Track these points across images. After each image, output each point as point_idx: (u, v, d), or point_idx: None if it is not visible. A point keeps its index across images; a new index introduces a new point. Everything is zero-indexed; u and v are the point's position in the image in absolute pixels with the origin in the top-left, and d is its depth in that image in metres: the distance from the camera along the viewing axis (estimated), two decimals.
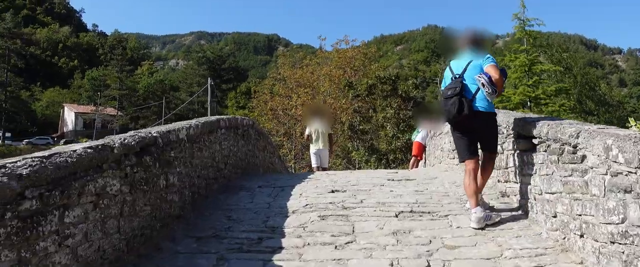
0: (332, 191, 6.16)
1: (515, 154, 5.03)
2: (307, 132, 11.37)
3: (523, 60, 18.41)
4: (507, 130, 5.23)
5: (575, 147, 3.70)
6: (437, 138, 9.67)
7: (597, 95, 35.37)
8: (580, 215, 3.59)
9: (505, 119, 5.25)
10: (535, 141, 4.48)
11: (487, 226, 4.48)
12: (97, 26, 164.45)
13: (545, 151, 4.25)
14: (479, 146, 5.04)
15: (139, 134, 3.87)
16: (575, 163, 3.70)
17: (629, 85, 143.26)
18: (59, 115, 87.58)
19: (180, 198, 4.64)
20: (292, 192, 6.14)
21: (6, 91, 72.92)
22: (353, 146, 26.40)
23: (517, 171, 5.02)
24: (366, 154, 23.89)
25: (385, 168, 23.31)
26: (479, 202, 4.69)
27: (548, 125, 4.17)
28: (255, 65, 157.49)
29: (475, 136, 4.92)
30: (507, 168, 5.36)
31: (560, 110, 17.67)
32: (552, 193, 4.11)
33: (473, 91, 4.70)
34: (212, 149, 5.97)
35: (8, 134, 72.61)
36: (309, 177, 7.67)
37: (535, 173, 4.49)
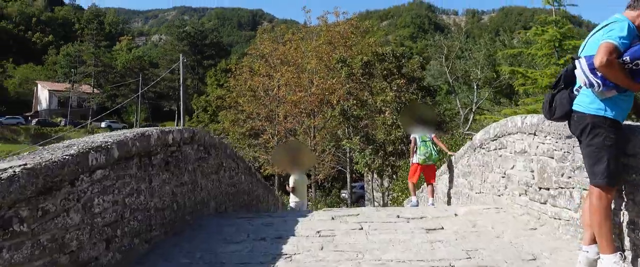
0: None
1: None
2: (292, 184, 10.45)
3: (552, 34, 15.03)
4: None
5: None
6: (487, 155, 6.26)
7: None
8: None
9: None
10: None
11: None
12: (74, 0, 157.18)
13: None
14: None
15: None
16: None
17: None
18: (33, 93, 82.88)
19: None
20: None
21: None
22: (344, 132, 22.98)
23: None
24: (360, 144, 20.50)
25: (382, 161, 19.97)
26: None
27: None
28: (240, 41, 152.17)
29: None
30: None
31: None
32: None
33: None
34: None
35: None
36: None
37: None
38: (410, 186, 9.20)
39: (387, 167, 20.12)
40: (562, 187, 4.18)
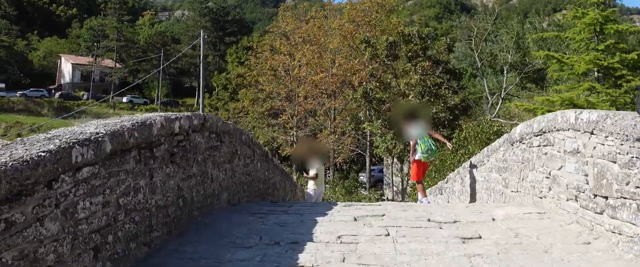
0: None
1: None
2: (313, 172, 10.73)
3: (593, 17, 14.06)
4: None
5: None
6: (529, 151, 5.63)
7: None
8: None
9: None
10: None
11: None
12: None
13: None
14: None
15: None
16: None
17: None
18: (56, 67, 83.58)
19: None
20: None
21: None
22: (366, 115, 22.34)
23: None
24: (382, 127, 19.86)
25: (405, 147, 19.35)
26: None
27: None
28: (262, 18, 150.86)
29: None
30: None
31: None
32: None
33: None
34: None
35: (2, 85, 69.13)
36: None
37: None
38: (419, 187, 8.94)
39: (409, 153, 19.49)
40: (625, 198, 3.58)
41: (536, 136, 5.38)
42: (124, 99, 70.55)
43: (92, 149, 2.72)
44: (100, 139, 2.81)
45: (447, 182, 10.65)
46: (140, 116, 3.62)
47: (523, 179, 5.78)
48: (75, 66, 77.90)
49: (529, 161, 5.57)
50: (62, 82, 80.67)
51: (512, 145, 6.28)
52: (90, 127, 3.04)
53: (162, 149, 3.73)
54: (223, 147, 5.42)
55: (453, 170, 16.39)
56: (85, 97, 69.44)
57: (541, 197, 5.17)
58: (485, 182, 7.49)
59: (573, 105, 13.83)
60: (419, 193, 8.98)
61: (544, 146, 5.16)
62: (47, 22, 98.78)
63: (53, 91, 73.82)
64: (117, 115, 66.79)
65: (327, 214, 4.90)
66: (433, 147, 8.52)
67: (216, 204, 5.22)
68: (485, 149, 7.72)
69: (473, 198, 8.12)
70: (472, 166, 8.45)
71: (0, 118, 58.17)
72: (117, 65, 76.02)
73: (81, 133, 2.81)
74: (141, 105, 71.86)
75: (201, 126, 4.65)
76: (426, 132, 8.62)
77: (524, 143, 5.81)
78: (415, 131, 8.57)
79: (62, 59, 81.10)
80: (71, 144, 2.57)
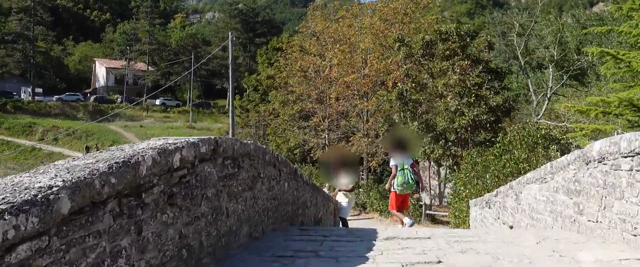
0: None
1: None
2: (346, 183, 10.68)
3: None
4: None
5: None
6: (614, 174, 4.56)
7: None
8: None
9: None
10: None
11: None
12: None
13: None
14: None
15: None
16: None
17: None
18: (91, 71, 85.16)
19: None
20: None
21: (34, 46, 70.33)
22: (400, 117, 21.28)
23: None
24: (418, 130, 18.76)
25: (443, 151, 18.19)
26: None
27: None
28: (292, 18, 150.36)
29: None
30: None
31: None
32: None
33: None
34: None
35: (39, 90, 70.76)
36: None
37: None
38: (397, 213, 9.06)
39: (448, 158, 18.35)
40: None
41: (626, 156, 4.32)
42: (157, 102, 71.23)
43: (36, 215, 1.88)
44: (51, 197, 1.98)
45: (496, 195, 9.58)
46: (124, 151, 2.78)
47: (605, 207, 4.72)
48: (109, 70, 79.17)
49: (616, 187, 4.52)
50: (96, 85, 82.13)
51: (587, 164, 5.21)
52: (45, 176, 2.22)
53: (156, 192, 2.88)
54: (242, 173, 4.56)
55: (497, 177, 15.27)
56: (119, 100, 70.38)
57: (635, 235, 4.13)
58: (550, 203, 6.42)
59: (633, 106, 12.51)
60: (399, 221, 9.09)
61: (638, 171, 4.11)
62: (82, 27, 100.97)
63: (88, 95, 75.16)
64: (150, 117, 67.34)
65: (367, 259, 3.98)
66: (410, 181, 8.51)
67: (234, 242, 4.37)
68: (549, 164, 6.64)
69: (532, 220, 7.07)
70: (530, 182, 7.39)
71: (38, 122, 59.37)
72: (150, 68, 76.86)
73: (25, 189, 1.98)
74: (173, 107, 72.42)
75: (212, 153, 3.80)
76: (408, 163, 8.64)
77: (605, 164, 4.76)
78: (399, 159, 8.60)
79: (97, 63, 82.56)
80: None
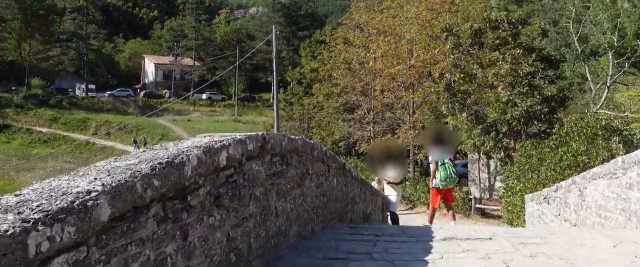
0: None
1: None
2: (394, 176, 10.24)
3: None
4: None
5: None
6: None
7: None
8: None
9: None
10: None
11: None
12: None
13: None
14: None
15: None
16: None
17: None
18: (141, 67, 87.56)
19: None
20: None
21: (86, 44, 72.94)
22: (448, 108, 20.65)
23: None
24: (468, 122, 18.13)
25: (495, 143, 17.50)
26: None
27: None
28: (335, 10, 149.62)
29: None
30: None
31: None
32: None
33: None
34: None
35: (92, 86, 73.36)
36: None
37: None
38: (431, 211, 9.24)
39: (500, 150, 17.65)
40: None
41: None
42: (204, 96, 72.52)
43: (72, 224, 1.71)
44: (89, 203, 1.80)
45: (556, 190, 9.03)
46: (168, 150, 2.61)
47: None
48: (157, 66, 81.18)
49: None
50: (146, 81, 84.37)
51: None
52: (84, 179, 2.05)
53: (202, 194, 2.69)
54: (290, 170, 4.35)
55: (553, 170, 14.53)
56: (167, 95, 72.04)
57: None
58: (622, 201, 5.92)
59: None
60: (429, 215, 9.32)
61: None
62: (131, 25, 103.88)
63: (138, 90, 77.32)
64: (197, 111, 68.64)
65: (427, 263, 3.69)
66: (453, 175, 8.68)
67: (283, 243, 4.17)
68: (620, 158, 6.11)
69: (600, 218, 6.56)
70: (597, 177, 6.86)
71: (91, 117, 61.62)
72: (196, 63, 78.26)
73: (62, 195, 1.82)
74: (219, 101, 73.58)
75: (260, 150, 3.60)
76: (448, 158, 8.72)
77: None
78: (438, 155, 8.69)
79: (146, 59, 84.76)
80: (29, 225, 1.56)
